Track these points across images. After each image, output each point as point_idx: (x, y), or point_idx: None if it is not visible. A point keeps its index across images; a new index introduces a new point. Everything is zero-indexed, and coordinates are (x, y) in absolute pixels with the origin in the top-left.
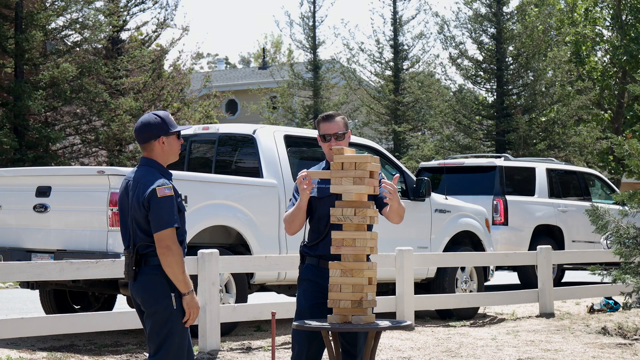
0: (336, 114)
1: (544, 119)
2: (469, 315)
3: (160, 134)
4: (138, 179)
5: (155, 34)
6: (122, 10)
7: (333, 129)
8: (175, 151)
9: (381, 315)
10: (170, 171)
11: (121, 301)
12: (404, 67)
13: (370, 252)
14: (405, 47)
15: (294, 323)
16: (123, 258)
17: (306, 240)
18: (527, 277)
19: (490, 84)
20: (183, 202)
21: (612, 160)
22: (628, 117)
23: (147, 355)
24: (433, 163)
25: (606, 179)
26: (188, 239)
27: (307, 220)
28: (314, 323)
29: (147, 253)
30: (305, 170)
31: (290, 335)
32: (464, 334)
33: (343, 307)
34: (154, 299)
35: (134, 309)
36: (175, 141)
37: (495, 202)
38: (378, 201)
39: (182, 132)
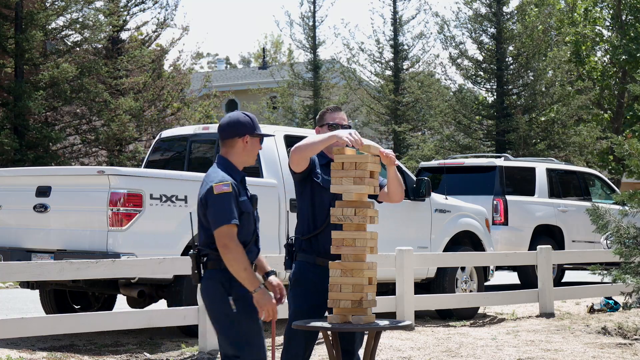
0: (341, 108)
1: (543, 119)
2: (469, 315)
3: (247, 132)
4: (205, 177)
5: (155, 34)
6: (122, 10)
7: (344, 120)
8: (254, 154)
9: (381, 315)
10: (170, 172)
11: (121, 301)
12: (404, 67)
13: (370, 252)
14: (405, 47)
15: (295, 323)
16: (124, 258)
17: (300, 232)
18: (527, 277)
19: (490, 84)
20: (250, 203)
21: (612, 160)
22: (628, 117)
23: (147, 355)
24: (433, 163)
25: (606, 179)
26: (187, 238)
27: (303, 207)
28: (316, 323)
29: (207, 255)
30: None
31: None
32: (464, 334)
33: (343, 307)
34: (211, 304)
35: (134, 309)
36: (257, 144)
37: (495, 202)
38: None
39: (182, 133)
